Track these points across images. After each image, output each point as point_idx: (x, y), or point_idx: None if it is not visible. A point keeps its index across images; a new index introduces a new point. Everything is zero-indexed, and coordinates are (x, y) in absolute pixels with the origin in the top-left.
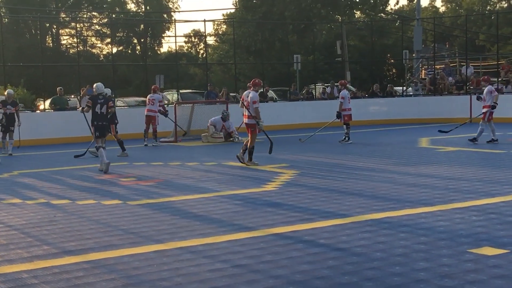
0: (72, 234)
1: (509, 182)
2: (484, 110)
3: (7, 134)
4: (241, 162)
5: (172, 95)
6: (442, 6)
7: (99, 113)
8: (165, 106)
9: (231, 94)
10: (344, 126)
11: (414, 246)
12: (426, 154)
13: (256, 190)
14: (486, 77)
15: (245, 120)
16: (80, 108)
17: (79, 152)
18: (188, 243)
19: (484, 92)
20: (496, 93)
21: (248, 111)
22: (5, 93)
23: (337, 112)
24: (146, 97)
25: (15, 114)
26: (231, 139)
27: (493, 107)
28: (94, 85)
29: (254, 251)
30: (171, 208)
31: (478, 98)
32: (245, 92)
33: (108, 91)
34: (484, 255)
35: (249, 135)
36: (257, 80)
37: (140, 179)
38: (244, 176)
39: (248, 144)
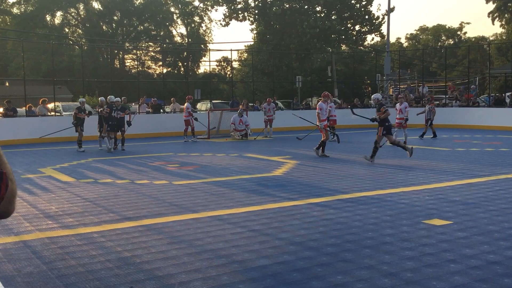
0: (131, 205)
1: (453, 171)
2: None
3: (112, 133)
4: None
5: (206, 104)
6: (405, 42)
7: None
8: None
9: (249, 104)
10: (329, 128)
11: (383, 218)
12: (392, 150)
13: (267, 175)
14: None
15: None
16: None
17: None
18: (216, 213)
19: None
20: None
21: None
22: (114, 100)
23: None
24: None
25: (124, 118)
26: (249, 137)
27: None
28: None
29: (265, 219)
30: (205, 187)
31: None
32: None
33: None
34: (434, 225)
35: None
36: (326, 93)
37: (182, 165)
38: (259, 164)
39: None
